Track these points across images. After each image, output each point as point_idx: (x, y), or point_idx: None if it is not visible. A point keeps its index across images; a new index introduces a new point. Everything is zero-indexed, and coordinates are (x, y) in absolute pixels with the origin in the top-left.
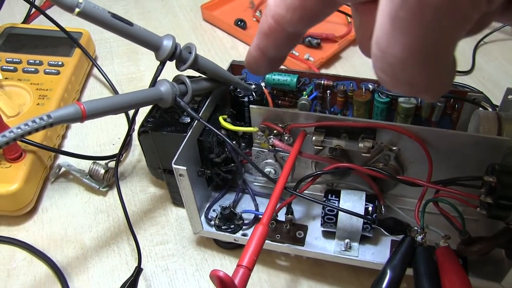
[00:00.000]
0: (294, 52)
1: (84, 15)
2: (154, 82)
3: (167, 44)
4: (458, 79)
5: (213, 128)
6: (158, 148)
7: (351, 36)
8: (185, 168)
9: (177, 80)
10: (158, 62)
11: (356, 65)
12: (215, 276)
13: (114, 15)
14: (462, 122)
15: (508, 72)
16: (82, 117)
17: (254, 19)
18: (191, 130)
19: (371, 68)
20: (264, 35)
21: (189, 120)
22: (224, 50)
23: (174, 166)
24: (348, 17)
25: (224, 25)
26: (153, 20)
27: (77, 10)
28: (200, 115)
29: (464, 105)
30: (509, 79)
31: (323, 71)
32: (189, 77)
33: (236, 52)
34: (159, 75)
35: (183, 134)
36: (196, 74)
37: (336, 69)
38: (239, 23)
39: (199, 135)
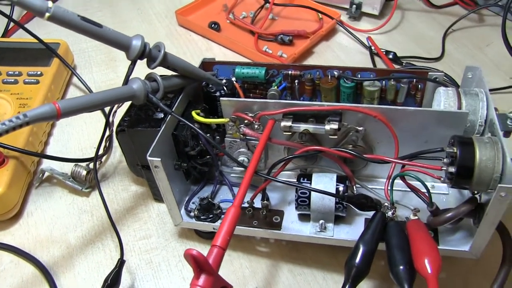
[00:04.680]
0: (267, 50)
1: (55, 19)
2: (126, 81)
3: (136, 43)
4: (429, 66)
5: (184, 120)
6: (135, 145)
7: (322, 32)
8: (159, 159)
9: (149, 78)
10: None
11: (329, 59)
12: (189, 255)
13: (84, 18)
14: (426, 102)
15: (475, 57)
16: (57, 115)
17: (228, 21)
18: (164, 125)
19: (342, 61)
20: None
21: (162, 116)
22: (199, 53)
23: (149, 158)
24: (319, 14)
25: (198, 28)
26: (129, 29)
27: (47, 14)
28: (172, 110)
29: (428, 85)
30: (477, 63)
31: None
32: (162, 76)
33: (211, 53)
34: (131, 74)
35: (157, 129)
36: (170, 73)
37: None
38: (213, 25)
39: (173, 130)
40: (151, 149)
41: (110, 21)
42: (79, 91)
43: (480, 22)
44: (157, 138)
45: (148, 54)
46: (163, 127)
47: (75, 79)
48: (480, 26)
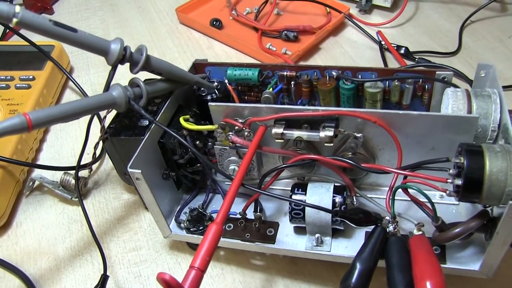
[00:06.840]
0: (271, 47)
1: (24, 24)
2: (107, 87)
3: (115, 47)
4: (444, 61)
5: (167, 129)
6: (120, 154)
7: (329, 27)
8: (140, 171)
9: (132, 83)
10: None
11: (336, 55)
12: (161, 280)
13: (56, 23)
14: (436, 103)
15: (496, 50)
16: (28, 127)
17: (231, 17)
18: (148, 133)
19: (351, 57)
20: None
21: (147, 123)
22: (200, 51)
23: (129, 170)
24: (327, 8)
25: (199, 26)
26: (130, 28)
27: (14, 20)
28: (159, 116)
29: (436, 85)
30: (498, 57)
31: (302, 64)
32: (148, 80)
33: (212, 52)
34: (111, 80)
35: (140, 137)
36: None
37: (316, 61)
38: (214, 23)
39: (160, 137)
40: (132, 160)
41: (111, 20)
42: (76, 95)
43: (502, 12)
44: (139, 148)
45: (129, 58)
46: (147, 136)
47: (71, 82)
48: (502, 16)
